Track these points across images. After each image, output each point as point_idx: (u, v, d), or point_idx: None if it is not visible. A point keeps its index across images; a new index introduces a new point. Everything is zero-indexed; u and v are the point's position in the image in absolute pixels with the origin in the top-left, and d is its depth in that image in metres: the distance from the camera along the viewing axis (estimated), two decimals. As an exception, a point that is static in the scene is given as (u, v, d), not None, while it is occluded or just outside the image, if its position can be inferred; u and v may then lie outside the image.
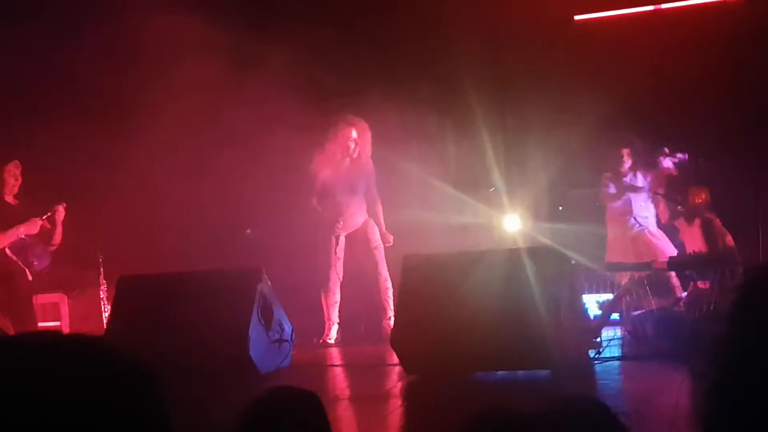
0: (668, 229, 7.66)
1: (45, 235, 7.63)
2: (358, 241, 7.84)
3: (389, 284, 7.74)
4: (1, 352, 1.06)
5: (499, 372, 5.87)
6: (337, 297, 7.81)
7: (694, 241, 6.98)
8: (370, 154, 7.81)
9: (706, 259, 6.89)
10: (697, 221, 6.94)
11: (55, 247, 7.70)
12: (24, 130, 8.30)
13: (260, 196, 8.52)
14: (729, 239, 6.94)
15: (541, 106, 8.16)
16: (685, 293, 7.17)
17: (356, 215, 7.85)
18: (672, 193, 7.44)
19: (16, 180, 7.61)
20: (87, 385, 1.03)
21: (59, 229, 7.67)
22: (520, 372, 5.80)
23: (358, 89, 7.97)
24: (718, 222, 6.98)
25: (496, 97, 8.56)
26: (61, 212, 7.62)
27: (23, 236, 7.47)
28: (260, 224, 8.64)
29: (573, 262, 6.17)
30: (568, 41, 8.43)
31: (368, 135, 7.78)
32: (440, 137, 8.36)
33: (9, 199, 7.63)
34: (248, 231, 8.58)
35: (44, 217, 7.56)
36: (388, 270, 7.74)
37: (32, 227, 7.50)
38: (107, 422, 1.02)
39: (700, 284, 6.92)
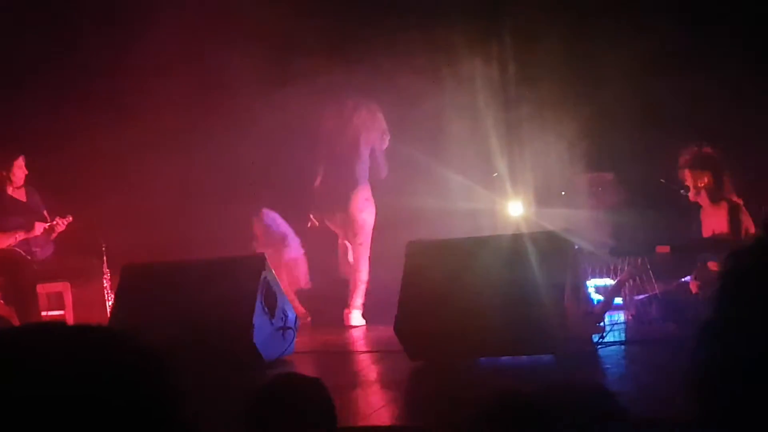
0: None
1: (46, 231, 7.69)
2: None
3: (359, 276, 7.67)
4: (6, 342, 1.07)
5: (503, 357, 5.88)
6: (355, 279, 7.74)
7: (718, 224, 6.90)
8: (360, 134, 7.60)
9: (710, 244, 6.85)
10: (725, 205, 6.86)
11: (55, 236, 7.75)
12: (27, 120, 8.30)
13: (265, 184, 8.49)
14: (752, 227, 6.88)
15: (545, 90, 8.12)
16: (689, 276, 7.13)
17: (340, 197, 7.68)
18: (674, 179, 7.38)
19: (21, 179, 7.67)
20: (94, 373, 1.03)
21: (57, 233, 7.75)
22: (524, 357, 5.82)
23: (357, 76, 7.90)
24: (744, 208, 6.91)
25: (499, 82, 8.52)
26: (61, 226, 7.63)
27: (23, 238, 7.53)
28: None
29: (576, 246, 6.17)
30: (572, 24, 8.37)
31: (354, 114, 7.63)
32: (442, 122, 8.31)
33: (11, 191, 7.67)
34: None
35: (47, 225, 7.61)
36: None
37: (33, 232, 7.57)
38: (115, 411, 1.02)
39: (712, 267, 6.87)
